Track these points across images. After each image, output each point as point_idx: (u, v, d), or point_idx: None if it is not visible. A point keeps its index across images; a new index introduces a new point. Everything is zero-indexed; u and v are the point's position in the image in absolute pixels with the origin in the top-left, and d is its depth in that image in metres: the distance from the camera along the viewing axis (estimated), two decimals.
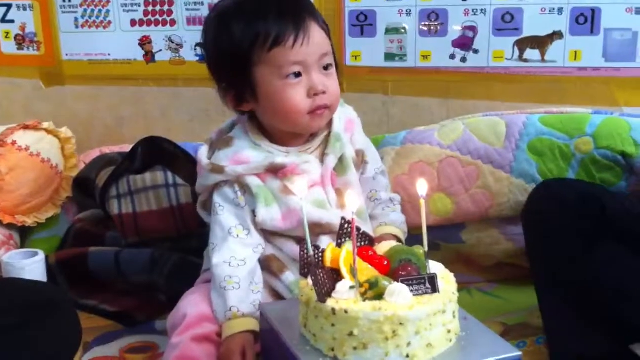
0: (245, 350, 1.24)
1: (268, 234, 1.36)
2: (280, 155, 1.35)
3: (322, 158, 1.38)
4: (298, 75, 1.29)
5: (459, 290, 1.07)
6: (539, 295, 1.35)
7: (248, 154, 1.35)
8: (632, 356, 1.23)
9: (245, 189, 1.34)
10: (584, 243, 1.28)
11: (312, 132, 1.38)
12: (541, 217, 1.36)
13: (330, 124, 1.39)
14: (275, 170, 1.34)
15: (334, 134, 1.38)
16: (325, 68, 1.32)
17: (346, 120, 1.42)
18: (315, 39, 1.30)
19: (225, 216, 1.34)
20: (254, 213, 1.34)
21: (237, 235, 1.33)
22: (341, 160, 1.39)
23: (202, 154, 1.37)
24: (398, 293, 0.99)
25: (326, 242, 1.23)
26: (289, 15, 1.28)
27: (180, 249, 1.66)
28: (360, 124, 1.47)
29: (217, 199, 1.35)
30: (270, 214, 1.33)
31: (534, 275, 1.37)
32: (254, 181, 1.34)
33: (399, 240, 1.39)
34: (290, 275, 1.33)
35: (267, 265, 1.35)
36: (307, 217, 1.28)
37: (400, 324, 0.98)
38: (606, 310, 1.24)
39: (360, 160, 1.44)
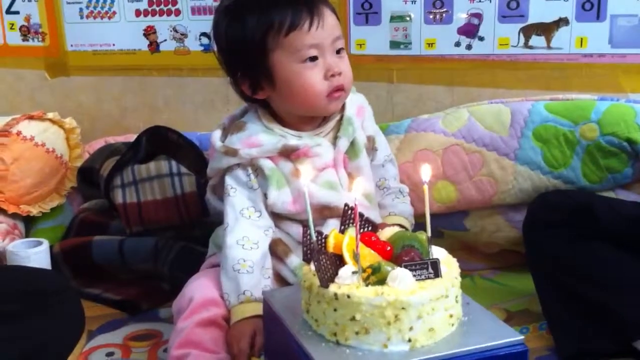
0: (255, 334, 1.24)
1: (275, 217, 1.37)
2: (293, 138, 1.36)
3: (335, 142, 1.39)
4: (314, 59, 1.31)
5: (462, 277, 1.06)
6: (540, 295, 1.37)
7: (261, 138, 1.35)
8: (634, 353, 1.24)
9: (258, 171, 1.36)
10: (578, 245, 1.31)
11: (327, 115, 1.39)
12: (538, 224, 1.38)
13: (342, 108, 1.40)
14: (288, 153, 1.35)
15: (346, 117, 1.39)
16: (338, 52, 1.34)
17: (357, 106, 1.43)
18: (329, 23, 1.32)
19: (238, 198, 1.35)
20: (265, 196, 1.35)
21: (249, 217, 1.35)
22: (353, 144, 1.40)
23: (216, 138, 1.38)
24: (400, 278, 0.99)
25: (332, 227, 1.24)
26: (302, 1, 1.30)
27: (183, 238, 1.66)
28: (371, 111, 1.48)
29: (229, 181, 1.36)
30: (282, 197, 1.34)
31: (534, 280, 1.39)
32: (266, 164, 1.35)
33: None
34: (295, 259, 1.34)
35: (273, 249, 1.36)
36: (317, 199, 1.30)
37: (403, 308, 0.97)
38: (603, 308, 1.26)
39: (371, 146, 1.45)
